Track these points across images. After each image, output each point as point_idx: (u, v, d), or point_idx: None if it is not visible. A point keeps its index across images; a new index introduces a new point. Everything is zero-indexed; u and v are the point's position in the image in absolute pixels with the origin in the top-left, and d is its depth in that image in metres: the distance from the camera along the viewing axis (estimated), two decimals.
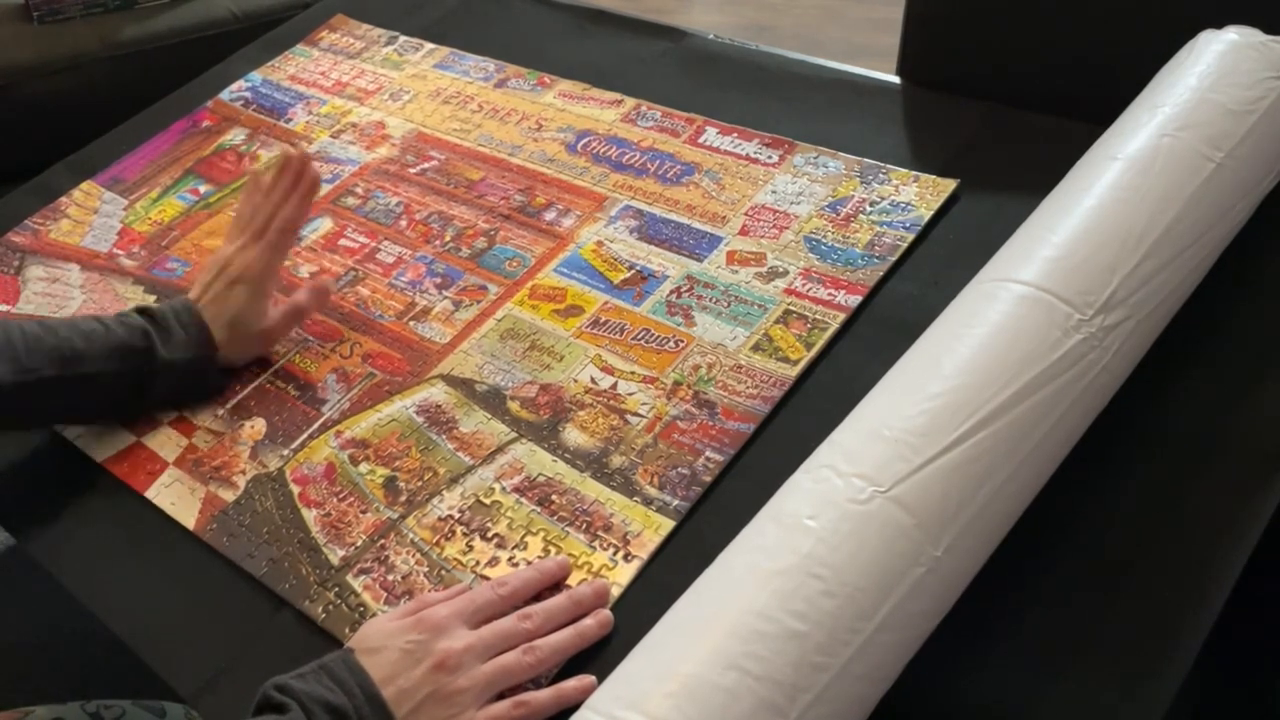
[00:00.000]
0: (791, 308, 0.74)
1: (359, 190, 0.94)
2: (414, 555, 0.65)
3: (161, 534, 0.70)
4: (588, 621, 0.59)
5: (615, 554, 0.62)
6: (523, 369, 0.74)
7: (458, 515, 0.66)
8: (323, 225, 0.92)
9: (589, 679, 0.56)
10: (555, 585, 0.61)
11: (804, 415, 0.67)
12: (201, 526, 0.70)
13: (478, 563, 0.63)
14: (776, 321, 0.73)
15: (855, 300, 0.73)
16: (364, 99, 1.05)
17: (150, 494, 0.73)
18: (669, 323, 0.75)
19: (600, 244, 0.82)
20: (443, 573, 0.63)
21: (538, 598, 0.60)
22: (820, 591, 0.48)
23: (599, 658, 0.58)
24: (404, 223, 0.90)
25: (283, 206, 0.80)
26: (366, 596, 0.63)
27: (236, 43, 1.20)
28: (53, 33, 1.43)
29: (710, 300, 0.76)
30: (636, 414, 0.69)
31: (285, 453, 0.73)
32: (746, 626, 0.47)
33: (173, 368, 0.74)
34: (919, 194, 0.79)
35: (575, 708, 0.50)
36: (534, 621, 0.58)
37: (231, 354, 0.78)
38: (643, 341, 0.74)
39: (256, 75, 1.13)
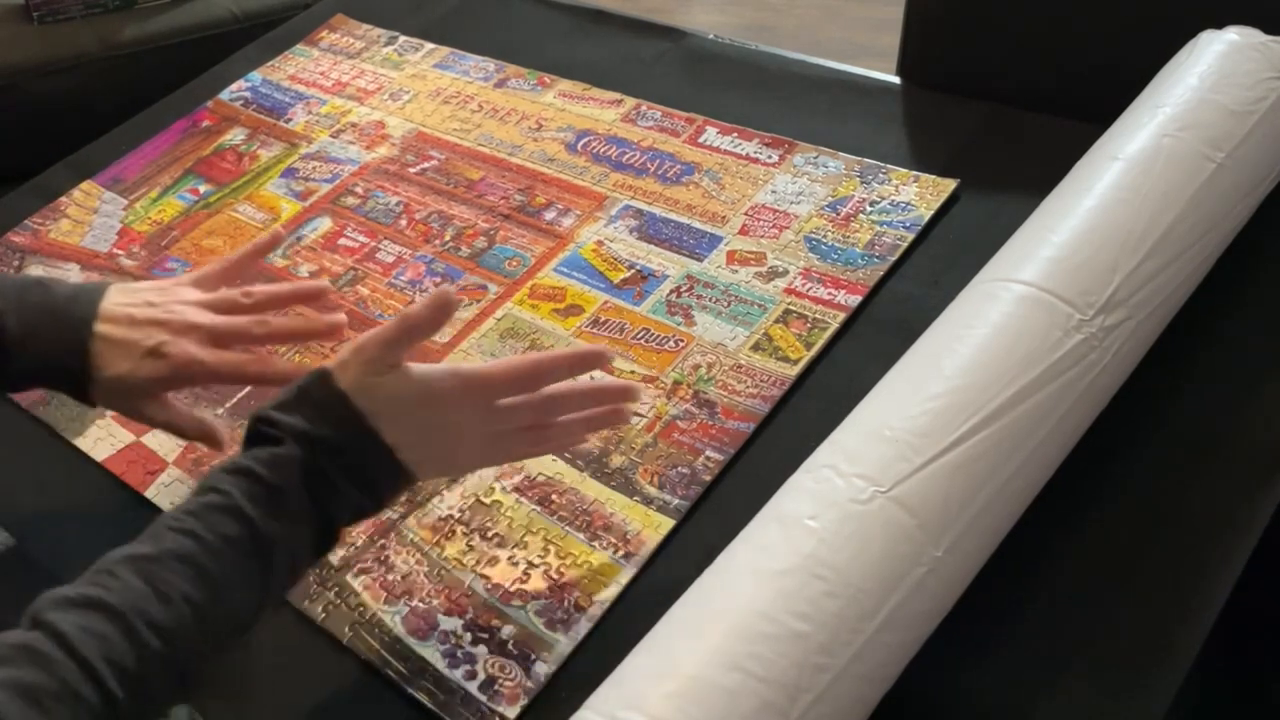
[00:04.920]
0: (791, 307, 0.73)
1: (359, 190, 0.94)
2: (414, 555, 0.65)
3: None
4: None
5: (615, 553, 0.62)
6: None
7: (458, 515, 0.66)
8: (322, 225, 0.92)
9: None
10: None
11: (804, 415, 0.67)
12: None
13: (478, 562, 0.63)
14: (776, 321, 0.73)
15: (855, 300, 0.73)
16: (364, 99, 1.05)
17: (150, 494, 0.72)
18: (669, 322, 0.75)
19: (600, 243, 0.82)
20: (443, 572, 0.63)
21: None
22: (823, 592, 0.48)
23: (599, 658, 0.57)
24: (404, 222, 0.90)
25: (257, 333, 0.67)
26: (366, 596, 0.63)
27: (236, 43, 1.20)
28: (53, 33, 1.43)
29: (710, 300, 0.76)
30: (636, 413, 0.69)
31: None
32: (749, 627, 0.47)
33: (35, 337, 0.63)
34: (919, 194, 0.79)
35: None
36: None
37: (100, 394, 0.65)
38: (643, 341, 0.74)
39: (256, 75, 1.13)
